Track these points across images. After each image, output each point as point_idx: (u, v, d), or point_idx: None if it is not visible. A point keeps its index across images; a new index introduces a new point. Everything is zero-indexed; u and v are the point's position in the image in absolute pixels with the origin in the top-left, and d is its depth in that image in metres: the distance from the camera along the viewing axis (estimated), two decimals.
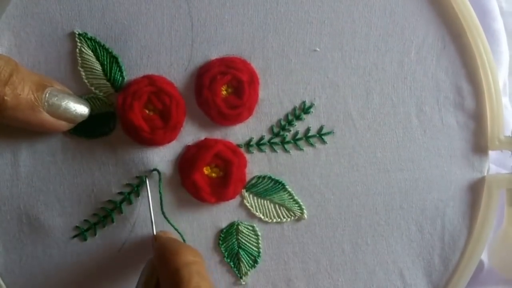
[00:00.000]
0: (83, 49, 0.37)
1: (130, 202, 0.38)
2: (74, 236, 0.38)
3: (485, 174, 0.41)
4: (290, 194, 0.40)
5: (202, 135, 0.38)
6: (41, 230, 0.38)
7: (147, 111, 0.37)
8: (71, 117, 0.36)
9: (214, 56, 0.38)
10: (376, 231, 0.40)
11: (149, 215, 0.38)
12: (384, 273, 0.41)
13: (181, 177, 0.38)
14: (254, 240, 0.40)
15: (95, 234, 0.38)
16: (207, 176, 0.38)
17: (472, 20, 0.39)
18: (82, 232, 0.38)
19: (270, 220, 0.40)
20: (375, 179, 0.40)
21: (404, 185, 0.40)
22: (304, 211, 0.40)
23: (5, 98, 0.33)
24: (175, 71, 0.38)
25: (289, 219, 0.40)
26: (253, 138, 0.39)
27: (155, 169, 0.38)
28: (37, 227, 0.38)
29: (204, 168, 0.38)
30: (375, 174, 0.40)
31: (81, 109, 0.37)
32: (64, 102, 0.36)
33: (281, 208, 0.40)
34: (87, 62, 0.37)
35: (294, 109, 0.39)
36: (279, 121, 0.39)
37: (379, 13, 0.39)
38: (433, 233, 0.41)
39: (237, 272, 0.40)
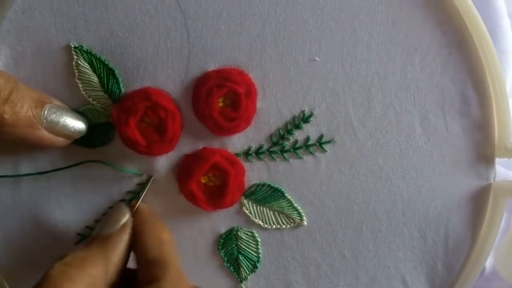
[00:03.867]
0: (79, 62, 0.52)
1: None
2: (77, 243, 0.55)
3: (492, 181, 0.56)
4: (289, 202, 0.56)
5: (200, 145, 0.55)
6: (44, 237, 0.55)
7: (143, 124, 0.52)
8: (69, 134, 0.52)
9: (211, 67, 0.53)
10: (377, 237, 0.57)
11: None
12: (385, 278, 0.58)
13: (179, 186, 0.55)
14: (254, 246, 0.57)
15: None
16: (204, 184, 0.54)
17: (479, 25, 0.53)
18: (85, 239, 0.55)
19: (270, 227, 0.56)
20: (377, 187, 0.56)
21: (406, 193, 0.56)
22: (304, 218, 0.56)
23: (4, 116, 0.48)
24: (172, 82, 0.53)
25: (288, 226, 0.56)
26: (251, 147, 0.55)
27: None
28: (40, 235, 0.55)
29: (202, 177, 0.54)
30: (377, 182, 0.56)
31: (79, 126, 0.52)
32: (63, 119, 0.51)
33: (281, 215, 0.56)
34: (84, 75, 0.53)
35: (293, 118, 0.54)
36: (278, 130, 0.54)
37: (381, 22, 0.53)
38: (436, 239, 0.57)
39: (237, 276, 0.57)
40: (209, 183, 0.54)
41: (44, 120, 0.49)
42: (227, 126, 0.53)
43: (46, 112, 0.49)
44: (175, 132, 0.53)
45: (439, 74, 0.53)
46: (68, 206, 0.55)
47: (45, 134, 0.49)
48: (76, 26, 0.52)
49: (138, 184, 0.55)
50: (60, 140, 0.51)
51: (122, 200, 0.55)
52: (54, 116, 0.50)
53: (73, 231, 0.55)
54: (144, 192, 0.54)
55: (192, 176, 0.53)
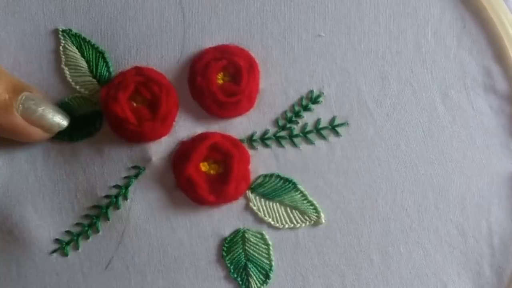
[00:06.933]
0: (67, 46, 0.49)
1: (117, 207, 0.48)
2: (54, 251, 0.47)
3: None
4: (303, 195, 0.49)
5: (198, 130, 0.49)
6: (16, 245, 0.47)
7: (134, 104, 0.48)
8: (47, 125, 0.47)
9: (208, 46, 0.49)
10: (409, 237, 0.49)
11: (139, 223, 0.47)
12: None
13: (175, 176, 0.48)
14: (264, 250, 0.48)
15: (78, 248, 0.48)
16: (205, 173, 0.48)
17: None
18: (63, 246, 0.48)
19: (282, 226, 0.48)
20: (401, 175, 0.49)
21: (436, 181, 0.49)
22: (321, 214, 0.49)
23: None
24: (167, 63, 0.49)
25: (303, 224, 0.48)
26: (256, 132, 0.49)
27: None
28: (11, 242, 0.47)
29: (201, 164, 0.48)
30: (401, 169, 0.49)
31: (59, 119, 0.47)
32: (41, 108, 0.46)
33: (294, 211, 0.48)
34: (71, 59, 0.49)
35: (301, 99, 0.49)
36: (285, 112, 0.49)
37: None
38: (478, 237, 0.49)
39: None
40: (209, 172, 0.48)
41: (20, 105, 0.45)
42: (227, 101, 0.48)
43: (24, 97, 0.45)
44: (169, 110, 0.48)
45: (455, 47, 0.50)
46: (45, 207, 0.48)
47: (19, 121, 0.45)
48: (64, 9, 0.49)
49: (125, 177, 0.48)
50: (37, 132, 0.46)
51: (107, 196, 0.48)
52: (32, 103, 0.45)
53: (50, 237, 0.47)
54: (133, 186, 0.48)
55: (189, 160, 0.47)
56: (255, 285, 0.48)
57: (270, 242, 0.48)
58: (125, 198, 0.48)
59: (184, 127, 0.49)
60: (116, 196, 0.48)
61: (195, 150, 0.47)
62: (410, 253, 0.49)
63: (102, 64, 0.49)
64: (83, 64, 0.49)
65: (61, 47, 0.49)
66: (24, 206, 0.48)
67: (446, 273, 0.49)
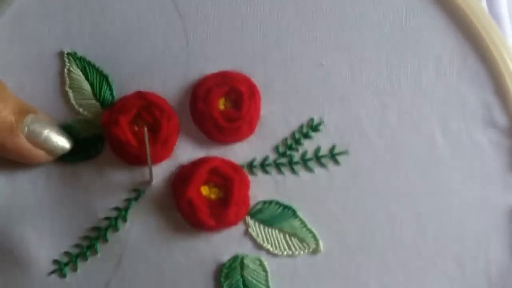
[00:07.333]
0: (71, 69, 0.50)
1: (116, 229, 0.48)
2: (52, 272, 0.47)
3: None
4: (302, 222, 0.49)
5: (198, 155, 0.49)
6: (15, 266, 0.48)
7: (136, 128, 0.48)
8: (51, 148, 0.47)
9: (211, 72, 0.50)
10: (407, 268, 0.49)
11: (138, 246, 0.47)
12: None
13: (175, 199, 0.48)
14: (263, 277, 0.48)
15: (76, 269, 0.48)
16: (205, 197, 0.48)
17: (491, 28, 0.51)
18: (61, 267, 0.48)
19: (280, 253, 0.48)
20: (400, 206, 0.49)
21: (435, 213, 0.49)
22: (320, 242, 0.48)
23: None
24: (169, 88, 0.50)
25: (302, 252, 0.49)
26: (256, 158, 0.49)
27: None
28: (11, 262, 0.48)
29: (202, 188, 0.48)
30: (400, 200, 0.49)
31: (63, 142, 0.48)
32: (46, 131, 0.47)
33: (292, 238, 0.49)
34: (76, 82, 0.50)
35: (301, 126, 0.50)
36: (285, 139, 0.50)
37: (389, 27, 0.51)
38: (476, 270, 0.49)
39: None
40: (210, 196, 0.48)
41: (26, 128, 0.46)
42: (227, 127, 0.48)
43: (29, 120, 0.46)
44: (170, 133, 0.48)
45: (456, 79, 0.50)
46: (45, 228, 0.48)
47: (24, 143, 0.46)
48: (70, 32, 0.50)
49: (126, 199, 0.48)
50: (41, 154, 0.47)
51: (106, 218, 0.48)
52: (37, 125, 0.46)
53: (49, 257, 0.47)
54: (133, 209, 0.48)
55: (190, 183, 0.47)
56: None
57: (268, 269, 0.48)
58: (125, 220, 0.48)
59: (185, 151, 0.49)
60: (116, 218, 0.49)
61: (196, 173, 0.47)
62: (408, 285, 0.48)
63: (105, 87, 0.50)
64: (87, 87, 0.50)
65: (65, 70, 0.50)
66: (25, 227, 0.48)
67: None
